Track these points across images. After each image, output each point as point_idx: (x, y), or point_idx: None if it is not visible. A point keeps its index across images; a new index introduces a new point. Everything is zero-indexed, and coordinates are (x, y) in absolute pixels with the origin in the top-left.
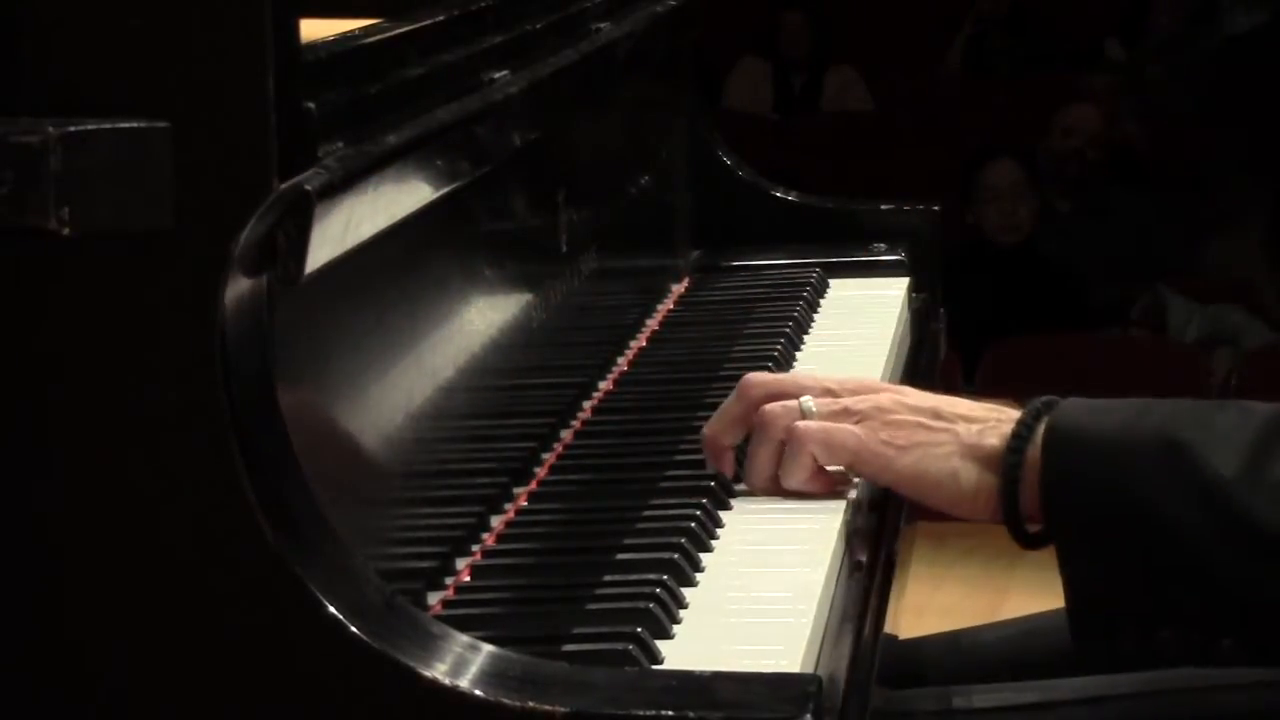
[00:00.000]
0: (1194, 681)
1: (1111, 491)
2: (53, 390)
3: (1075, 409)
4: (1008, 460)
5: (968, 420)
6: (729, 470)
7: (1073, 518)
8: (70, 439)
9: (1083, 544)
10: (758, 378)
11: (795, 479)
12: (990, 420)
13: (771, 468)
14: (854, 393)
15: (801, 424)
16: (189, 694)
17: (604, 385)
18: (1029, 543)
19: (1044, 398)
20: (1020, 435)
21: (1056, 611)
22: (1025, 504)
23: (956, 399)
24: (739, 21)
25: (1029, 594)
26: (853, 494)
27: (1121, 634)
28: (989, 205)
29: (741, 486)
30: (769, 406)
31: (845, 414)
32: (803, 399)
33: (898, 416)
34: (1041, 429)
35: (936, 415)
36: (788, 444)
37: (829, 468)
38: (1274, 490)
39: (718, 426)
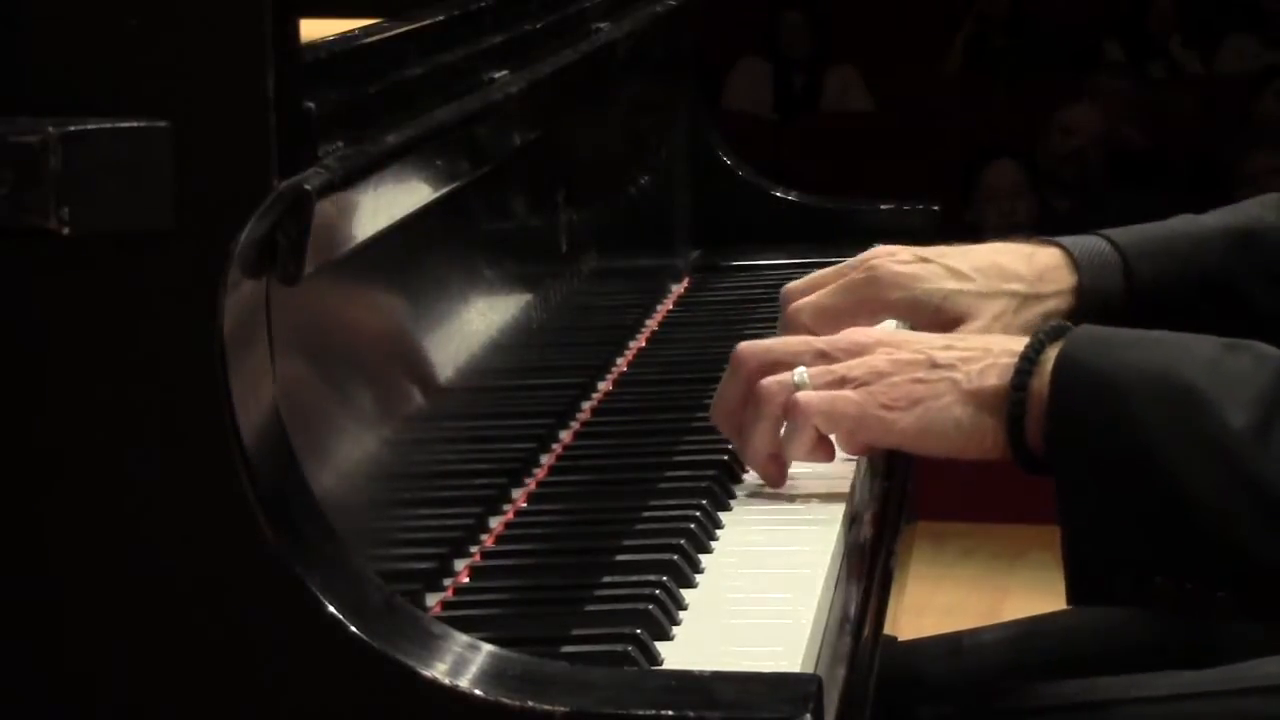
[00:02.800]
0: (1207, 686)
1: (1116, 433)
2: (52, 390)
3: (1083, 341)
4: (1012, 398)
5: (966, 361)
6: (784, 476)
7: (1076, 456)
8: (69, 439)
9: (1084, 483)
10: (749, 348)
11: (800, 451)
12: (990, 356)
13: (771, 443)
14: (847, 352)
15: (802, 396)
16: (189, 694)
17: (604, 385)
18: (1038, 469)
19: (1050, 324)
20: (1023, 370)
21: (1056, 612)
22: (1031, 436)
23: (954, 337)
24: (739, 21)
25: (1029, 594)
26: (852, 491)
27: (1117, 576)
28: (989, 205)
29: (741, 489)
30: (764, 383)
31: (842, 381)
32: (797, 372)
33: (894, 377)
34: (1050, 361)
35: (933, 365)
36: (789, 418)
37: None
38: None
39: (723, 408)
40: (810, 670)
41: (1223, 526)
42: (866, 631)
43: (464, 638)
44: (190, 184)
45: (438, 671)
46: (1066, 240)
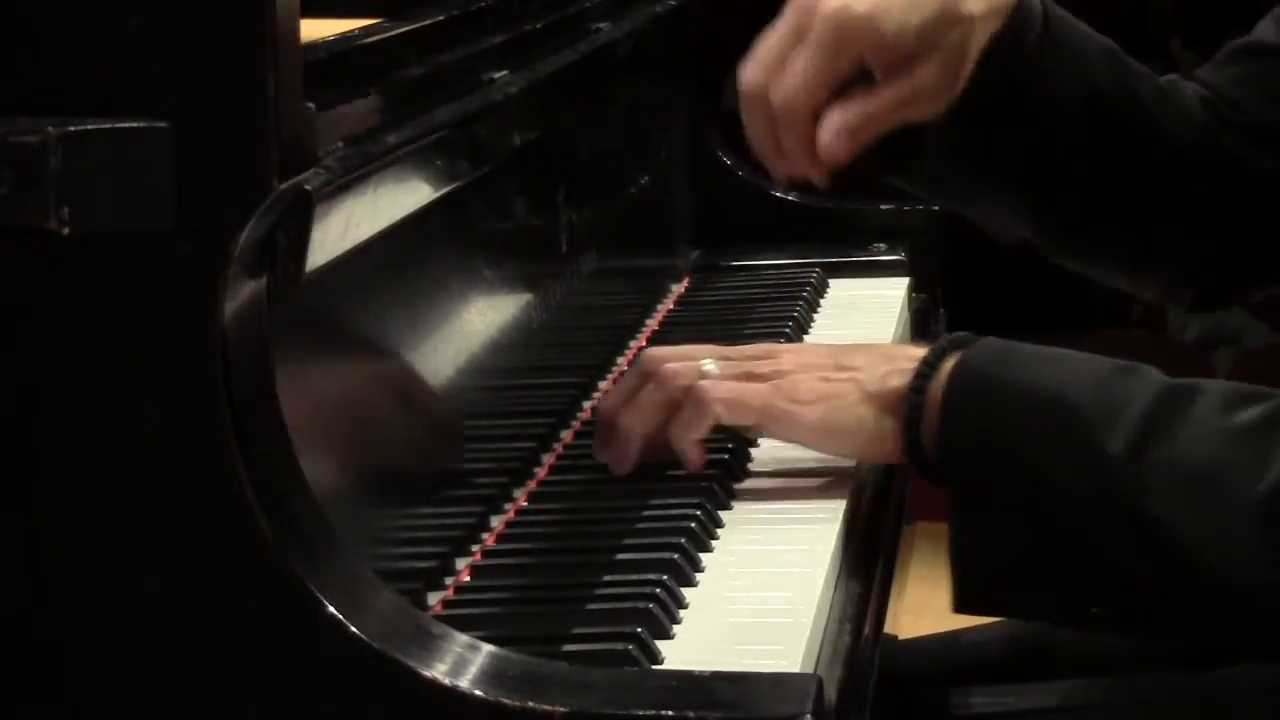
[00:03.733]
0: (1206, 684)
1: (1004, 447)
2: (52, 390)
3: (985, 353)
4: (909, 400)
5: (871, 365)
6: (636, 458)
7: (965, 466)
8: (69, 439)
9: (971, 493)
10: (657, 350)
11: (692, 436)
12: (894, 363)
13: (658, 418)
14: (752, 357)
15: (708, 381)
16: (188, 694)
17: (604, 385)
18: (934, 477)
19: (955, 334)
20: (922, 374)
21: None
22: (926, 440)
23: (859, 346)
24: (739, 22)
25: None
26: (852, 491)
27: (1000, 587)
28: None
29: (741, 488)
30: (669, 364)
31: (748, 377)
32: (703, 361)
33: (800, 376)
34: (948, 367)
35: (838, 367)
36: (690, 400)
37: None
38: (1155, 472)
39: (615, 400)
40: (810, 670)
41: (1099, 546)
42: (866, 631)
43: (464, 638)
44: (190, 184)
45: (438, 671)
46: None
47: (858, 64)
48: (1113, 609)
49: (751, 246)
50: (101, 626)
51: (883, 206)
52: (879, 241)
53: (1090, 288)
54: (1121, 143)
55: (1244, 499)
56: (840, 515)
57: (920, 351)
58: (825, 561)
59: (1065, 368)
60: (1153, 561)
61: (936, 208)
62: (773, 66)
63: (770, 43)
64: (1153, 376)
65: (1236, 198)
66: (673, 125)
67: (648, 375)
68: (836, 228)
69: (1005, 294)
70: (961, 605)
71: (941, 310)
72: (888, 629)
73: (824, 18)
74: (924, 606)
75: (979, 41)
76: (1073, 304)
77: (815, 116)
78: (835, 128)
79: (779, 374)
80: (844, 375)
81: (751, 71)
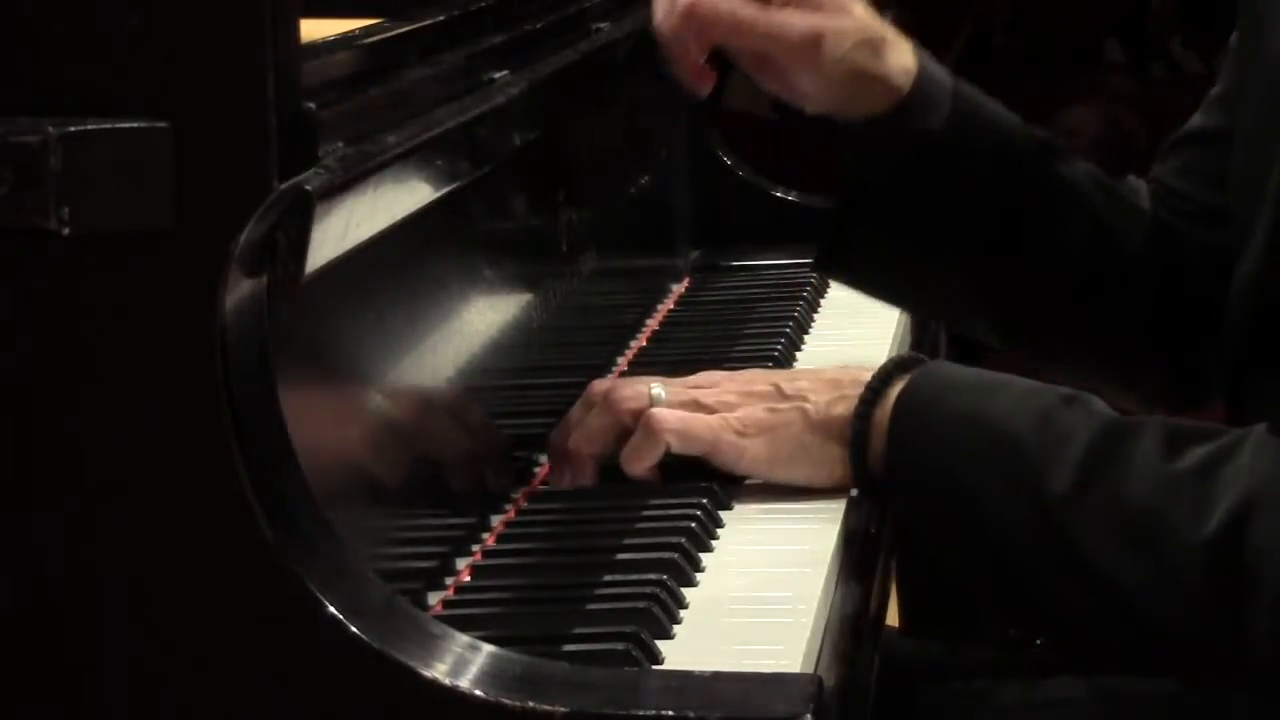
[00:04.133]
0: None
1: (948, 480)
2: (51, 390)
3: (928, 379)
4: (855, 426)
5: (815, 393)
6: (591, 479)
7: (910, 495)
8: (69, 439)
9: (917, 522)
10: (603, 382)
11: (643, 464)
12: (839, 389)
13: (608, 440)
14: (697, 386)
15: (660, 410)
16: (188, 694)
17: None
18: (883, 503)
19: (900, 356)
20: (867, 400)
21: None
22: (873, 466)
23: (803, 372)
24: None
25: None
26: (853, 492)
27: (948, 615)
28: None
29: (742, 489)
30: (619, 390)
31: (695, 405)
32: (653, 387)
33: (745, 408)
34: (892, 395)
35: (782, 395)
36: (642, 429)
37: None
38: (1094, 516)
39: (564, 432)
40: (810, 670)
41: (1042, 586)
42: (866, 631)
43: (464, 638)
44: (190, 184)
45: (438, 672)
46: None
47: None
48: (1057, 643)
49: (751, 246)
50: (101, 626)
51: None
52: None
53: None
54: (1057, 233)
55: (1183, 547)
56: (840, 515)
57: (866, 376)
58: (825, 561)
59: (1007, 399)
60: (1093, 603)
61: None
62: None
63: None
64: (1095, 410)
65: (1189, 292)
66: (673, 125)
67: (593, 403)
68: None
69: None
70: (914, 630)
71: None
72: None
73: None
74: None
75: (841, 47)
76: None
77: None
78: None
79: (725, 405)
80: (788, 405)
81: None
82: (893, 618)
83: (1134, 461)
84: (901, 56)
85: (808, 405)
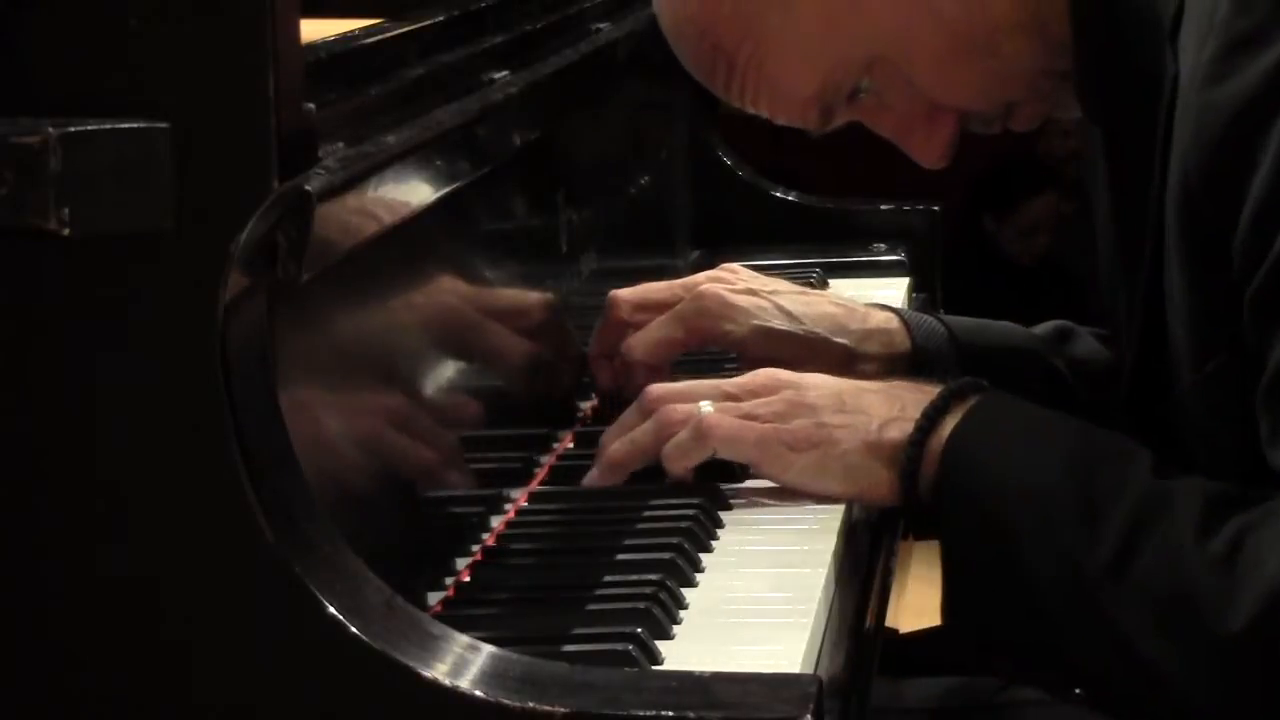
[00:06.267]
0: None
1: (992, 526)
2: (51, 390)
3: (985, 413)
4: (907, 453)
5: (874, 409)
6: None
7: (958, 540)
8: (69, 439)
9: (959, 561)
10: (659, 388)
11: (686, 465)
12: (899, 408)
13: (646, 458)
14: (754, 394)
15: (711, 415)
16: (188, 694)
17: None
18: (927, 530)
19: (960, 381)
20: (922, 429)
21: None
22: (924, 495)
23: (864, 387)
24: None
25: None
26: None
27: (989, 651)
28: (1023, 235)
29: (743, 486)
30: (668, 406)
31: (747, 417)
32: (702, 404)
33: (798, 420)
34: (949, 425)
35: (838, 410)
36: (691, 429)
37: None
38: (1129, 593)
39: (616, 433)
40: (810, 670)
41: (1073, 646)
42: (867, 631)
43: (464, 638)
44: (190, 184)
45: (438, 672)
46: (901, 309)
47: (708, 346)
48: (1091, 695)
49: (751, 246)
50: (101, 626)
51: (883, 206)
52: (879, 241)
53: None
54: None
55: (1212, 634)
56: (840, 516)
57: (921, 396)
58: (825, 561)
59: (1060, 446)
60: (1124, 671)
61: (936, 207)
62: (642, 308)
63: (652, 289)
64: (1141, 470)
65: None
66: (673, 125)
67: (647, 414)
68: (836, 228)
69: (1005, 294)
70: (959, 667)
71: (941, 310)
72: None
73: (693, 294)
74: (924, 606)
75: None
76: (1071, 304)
77: (652, 370)
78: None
79: (777, 415)
80: (841, 421)
81: (625, 296)
82: (893, 618)
83: (1170, 539)
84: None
85: (862, 423)
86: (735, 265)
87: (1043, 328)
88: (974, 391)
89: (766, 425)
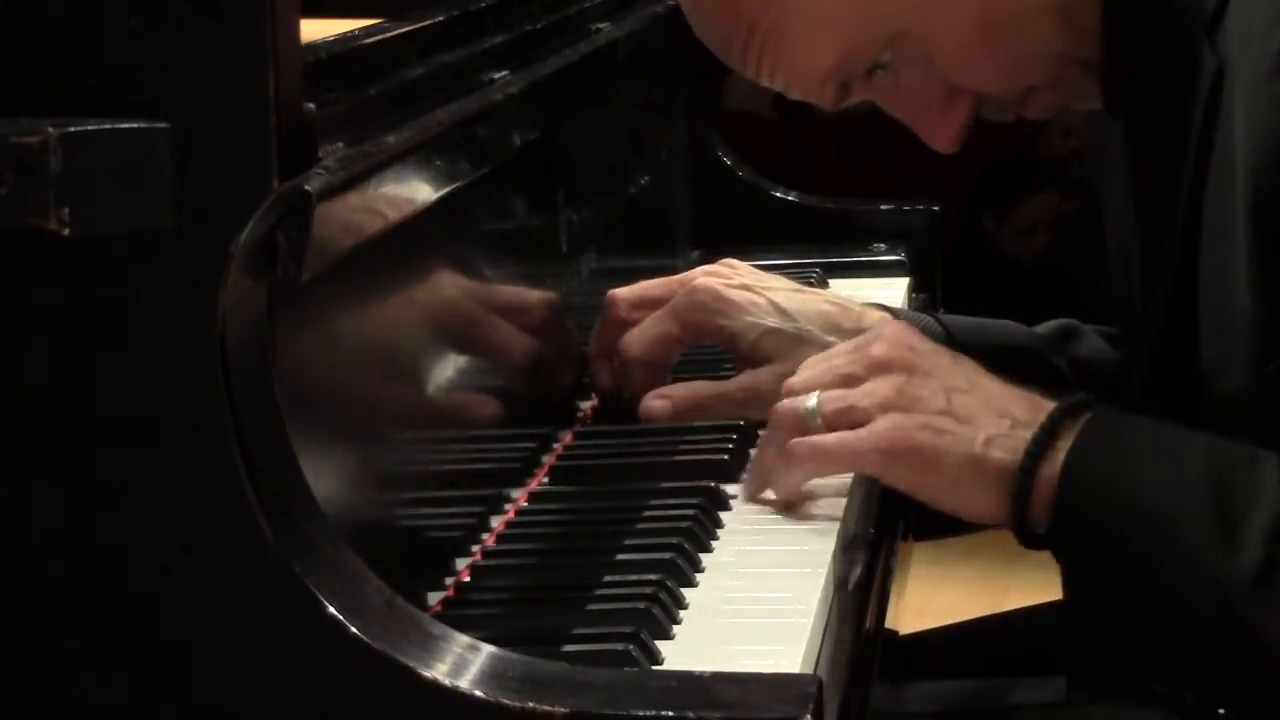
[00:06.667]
0: None
1: (1119, 554)
2: (51, 390)
3: (1100, 435)
4: (1019, 480)
5: (978, 422)
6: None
7: (1077, 561)
8: (69, 439)
9: (1083, 587)
10: (750, 378)
11: (780, 493)
12: (1009, 422)
13: (774, 470)
14: (870, 369)
15: (800, 445)
16: (188, 694)
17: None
18: (1038, 547)
19: (1069, 400)
20: (1033, 454)
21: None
22: (1034, 518)
23: (974, 382)
24: None
25: (1029, 594)
26: (853, 491)
27: (1114, 671)
28: (1023, 234)
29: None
30: (780, 405)
31: (852, 411)
32: (808, 400)
33: (905, 419)
34: (1062, 450)
35: (946, 413)
36: (785, 454)
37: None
38: (1274, 604)
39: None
40: (810, 670)
41: (1220, 665)
42: (867, 632)
43: (464, 638)
44: (190, 184)
45: (438, 672)
46: (897, 309)
47: (703, 340)
48: (1236, 712)
49: (751, 246)
50: (101, 626)
51: (883, 206)
52: (879, 241)
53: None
54: None
55: None
56: (841, 515)
57: (1029, 409)
58: (825, 562)
59: (1182, 463)
60: (1273, 684)
61: (936, 207)
62: (640, 305)
63: (649, 286)
64: (1270, 478)
65: None
66: (673, 125)
67: (756, 394)
68: (836, 228)
69: (1005, 294)
70: (1078, 685)
71: (941, 310)
72: (888, 629)
73: (687, 289)
74: (924, 606)
75: None
76: (1074, 304)
77: (650, 366)
78: (661, 399)
79: (882, 407)
80: (950, 427)
81: (623, 294)
82: (893, 618)
83: None
84: None
85: (967, 436)
86: (734, 260)
87: (1046, 326)
88: (1084, 409)
89: (865, 432)
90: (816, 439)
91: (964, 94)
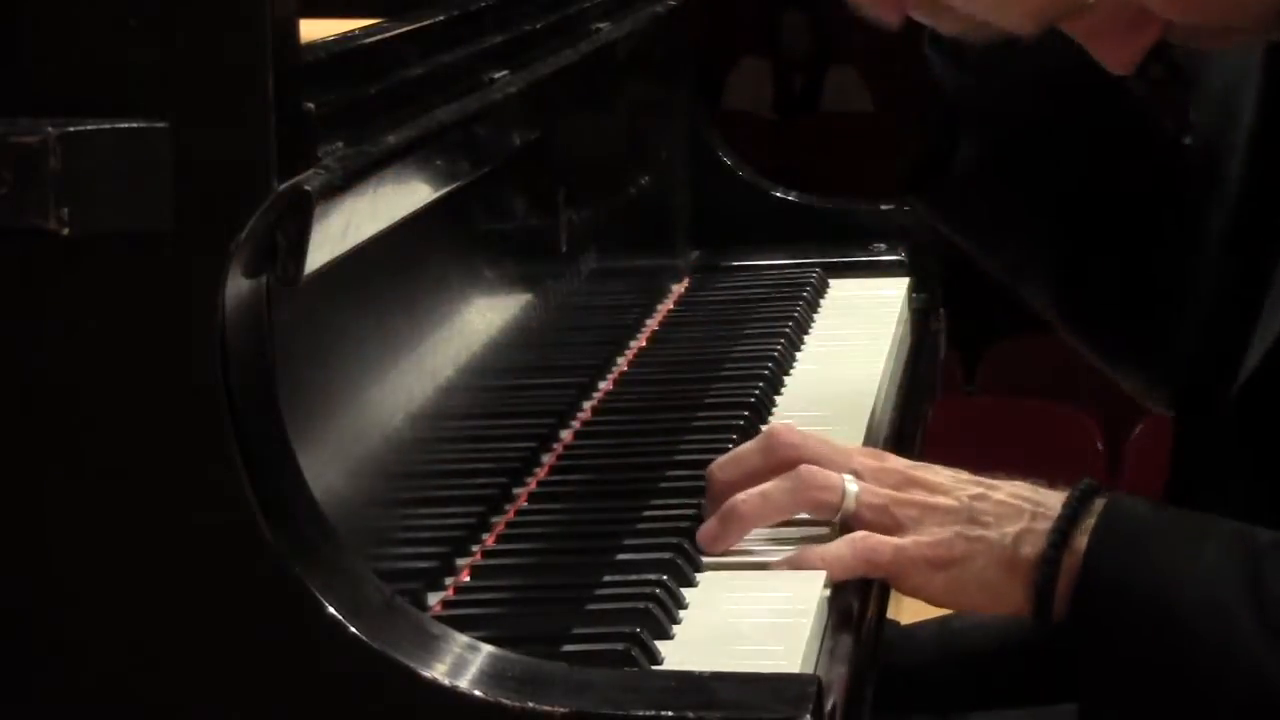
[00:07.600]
0: None
1: (1144, 652)
2: (52, 390)
3: (1120, 525)
4: (1041, 571)
5: (1001, 520)
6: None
7: (1098, 656)
8: (69, 439)
9: (1104, 680)
10: (789, 436)
11: (813, 564)
12: (1026, 519)
13: (779, 516)
14: (893, 488)
15: (840, 544)
16: (188, 694)
17: (604, 385)
18: (1062, 639)
19: (1083, 486)
20: (1054, 544)
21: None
22: (1057, 609)
23: (988, 488)
24: (739, 21)
25: None
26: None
27: None
28: None
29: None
30: (813, 477)
31: (885, 513)
32: (847, 480)
33: (934, 531)
34: (1082, 539)
35: (972, 520)
36: (848, 553)
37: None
38: None
39: (733, 473)
40: (810, 670)
41: None
42: (867, 632)
43: (464, 638)
44: (190, 184)
45: (438, 672)
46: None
47: None
48: None
49: (751, 246)
50: (101, 627)
51: (883, 206)
52: (879, 241)
53: None
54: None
55: None
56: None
57: (1052, 504)
58: None
59: (1206, 555)
60: None
61: None
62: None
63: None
64: None
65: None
66: (673, 125)
67: (777, 455)
68: (836, 228)
69: (1005, 294)
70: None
71: (942, 310)
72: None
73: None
74: (924, 607)
75: None
76: None
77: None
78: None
79: (912, 521)
80: (975, 533)
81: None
82: (894, 611)
83: None
84: None
85: (994, 538)
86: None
87: None
88: (1096, 494)
89: (906, 541)
90: (865, 543)
91: (1154, 20)
